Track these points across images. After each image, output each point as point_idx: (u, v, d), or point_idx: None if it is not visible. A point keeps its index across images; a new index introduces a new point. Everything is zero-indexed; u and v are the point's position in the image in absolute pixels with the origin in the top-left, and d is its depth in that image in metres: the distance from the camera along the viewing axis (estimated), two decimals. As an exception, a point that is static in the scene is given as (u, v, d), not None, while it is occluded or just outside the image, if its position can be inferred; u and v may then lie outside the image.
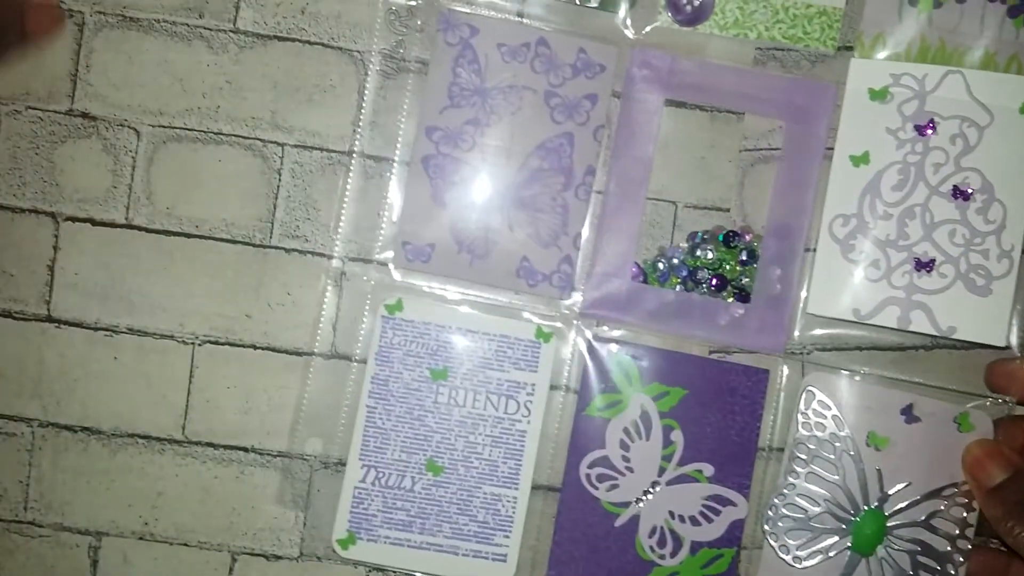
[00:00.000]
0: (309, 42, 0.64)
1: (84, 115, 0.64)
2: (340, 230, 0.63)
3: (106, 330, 0.64)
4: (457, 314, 0.63)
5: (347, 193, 0.64)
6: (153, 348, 0.64)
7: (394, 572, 0.63)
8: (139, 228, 0.64)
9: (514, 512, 0.62)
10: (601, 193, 0.63)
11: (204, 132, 0.64)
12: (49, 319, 0.64)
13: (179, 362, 0.64)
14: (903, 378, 0.62)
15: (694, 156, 0.64)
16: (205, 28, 0.64)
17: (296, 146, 0.64)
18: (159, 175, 0.64)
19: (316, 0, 0.64)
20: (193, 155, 0.64)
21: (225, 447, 0.64)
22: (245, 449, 0.64)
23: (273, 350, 0.64)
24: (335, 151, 0.64)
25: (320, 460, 0.64)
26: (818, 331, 0.63)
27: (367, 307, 0.63)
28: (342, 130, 0.64)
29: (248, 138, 0.64)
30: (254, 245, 0.64)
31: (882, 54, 0.62)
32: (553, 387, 0.63)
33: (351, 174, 0.63)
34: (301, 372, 0.64)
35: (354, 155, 0.63)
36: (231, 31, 0.64)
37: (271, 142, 0.64)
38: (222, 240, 0.64)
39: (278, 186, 0.64)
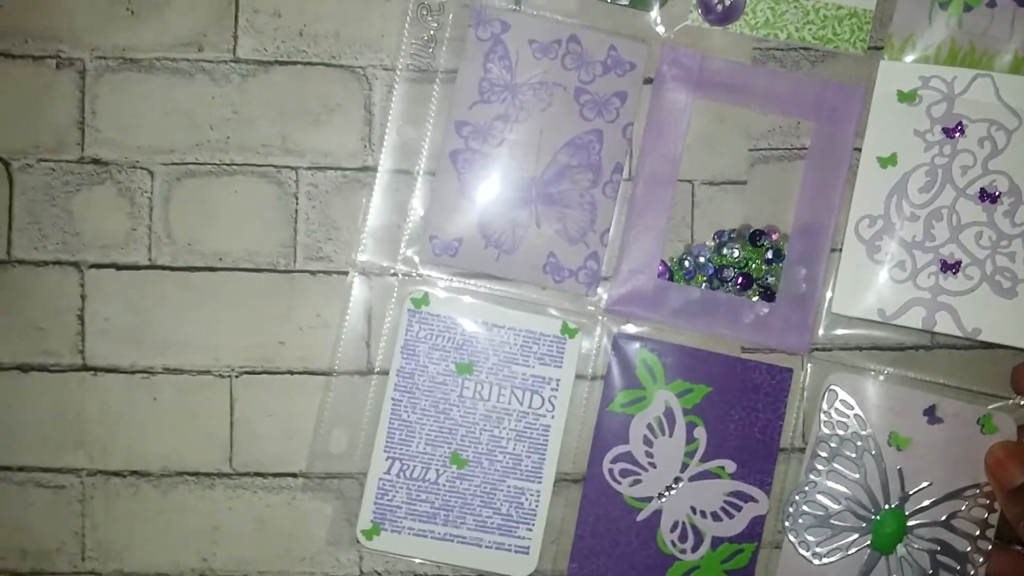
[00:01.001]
0: (310, 63, 0.66)
1: (95, 161, 0.66)
2: (366, 226, 0.65)
3: (143, 372, 0.66)
4: (483, 309, 0.64)
5: (374, 191, 0.65)
6: (191, 385, 0.66)
7: (418, 562, 0.65)
8: (163, 267, 0.66)
9: (537, 506, 0.64)
10: (630, 180, 0.65)
11: (217, 164, 0.66)
12: (85, 368, 0.66)
13: (218, 396, 0.66)
14: (926, 379, 0.64)
15: (701, 133, 0.66)
16: (206, 61, 0.66)
17: (310, 168, 0.66)
18: (177, 212, 0.66)
19: (313, 21, 0.66)
20: (208, 188, 0.66)
21: (274, 475, 0.66)
22: (294, 475, 0.66)
23: (310, 373, 0.66)
24: (349, 168, 0.66)
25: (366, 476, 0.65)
26: (842, 331, 0.64)
27: (393, 301, 0.65)
28: (353, 147, 0.66)
29: (261, 165, 0.66)
30: (279, 271, 0.66)
31: (911, 56, 0.63)
32: (579, 376, 0.65)
33: (379, 173, 0.65)
34: (327, 367, 0.65)
35: (383, 153, 0.65)
36: (232, 61, 0.66)
37: (284, 167, 0.66)
38: (247, 270, 0.66)
39: (296, 210, 0.66)
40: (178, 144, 0.66)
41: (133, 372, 0.66)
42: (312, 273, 0.66)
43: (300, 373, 0.66)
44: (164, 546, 0.66)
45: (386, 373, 0.65)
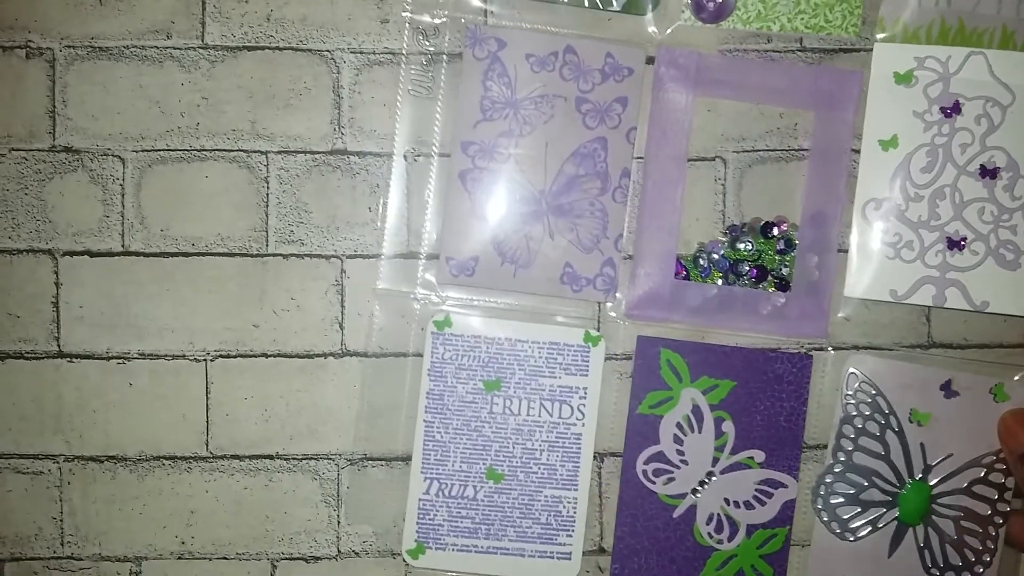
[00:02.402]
0: (279, 48, 0.67)
1: (67, 149, 0.67)
2: (382, 249, 0.67)
3: (118, 358, 0.68)
4: (505, 325, 0.67)
5: (387, 217, 0.67)
6: (166, 370, 0.68)
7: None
8: (137, 254, 0.68)
9: (575, 512, 0.67)
10: (643, 166, 0.66)
11: (187, 151, 0.68)
12: (61, 355, 0.68)
13: (194, 380, 0.68)
14: (941, 355, 0.67)
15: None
16: (174, 48, 0.67)
17: (280, 152, 0.68)
18: (149, 199, 0.68)
19: (280, 6, 0.67)
20: (180, 175, 0.68)
21: (250, 457, 0.69)
22: (271, 456, 0.69)
23: (284, 356, 0.68)
24: (319, 152, 0.68)
25: (346, 458, 0.68)
26: (857, 314, 0.67)
27: (415, 323, 0.67)
28: (323, 130, 0.68)
29: (231, 151, 0.68)
30: (252, 255, 0.68)
31: (903, 37, 0.65)
32: (605, 381, 0.67)
33: (390, 198, 0.67)
34: (339, 379, 0.68)
35: (391, 178, 0.67)
36: (200, 47, 0.67)
37: (254, 151, 0.68)
38: (220, 254, 0.68)
39: (267, 194, 0.68)
40: (148, 131, 0.67)
41: (108, 358, 0.68)
42: (285, 256, 0.68)
43: (275, 356, 0.68)
44: (142, 530, 0.69)
45: (416, 396, 0.67)
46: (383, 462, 0.68)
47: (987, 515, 0.67)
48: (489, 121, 0.66)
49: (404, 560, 0.67)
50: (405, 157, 0.66)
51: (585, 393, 0.67)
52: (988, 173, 0.66)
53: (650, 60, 0.66)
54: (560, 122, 0.66)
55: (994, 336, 0.68)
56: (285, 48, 0.67)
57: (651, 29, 0.66)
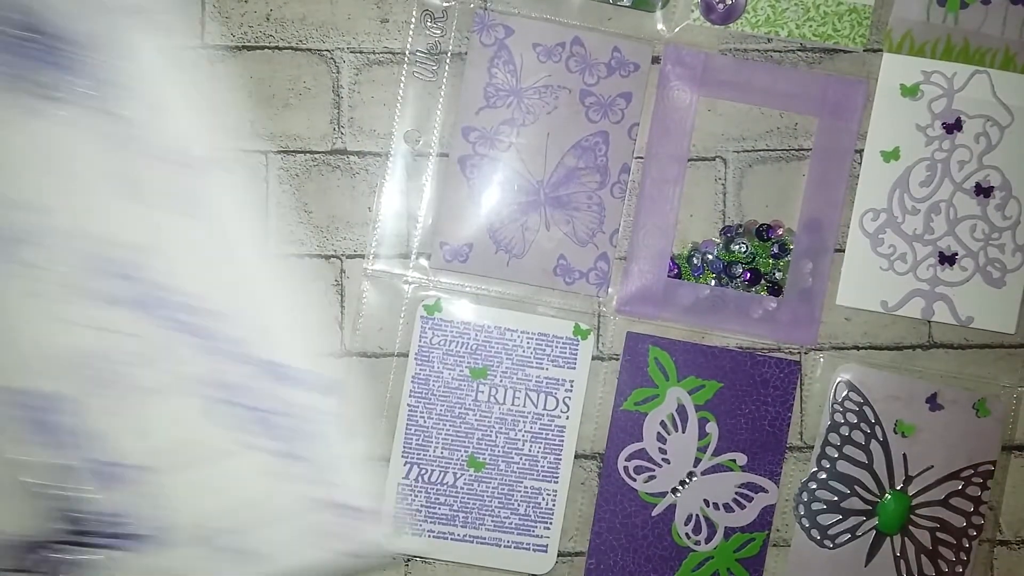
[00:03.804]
0: (278, 47, 0.67)
1: None
2: (376, 230, 0.67)
3: None
4: (495, 313, 0.67)
5: (382, 199, 0.67)
6: None
7: (441, 564, 0.68)
8: None
9: (554, 505, 0.68)
10: (642, 163, 0.67)
11: None
12: None
13: None
14: (929, 369, 0.68)
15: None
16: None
17: (279, 152, 0.68)
18: None
19: (279, 5, 0.67)
20: None
21: None
22: None
23: None
24: (319, 152, 0.68)
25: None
26: (847, 323, 0.68)
27: (404, 307, 0.67)
28: (322, 130, 0.68)
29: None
30: None
31: (909, 51, 0.66)
32: (592, 376, 0.68)
33: (386, 181, 0.67)
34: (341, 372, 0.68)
35: (390, 157, 0.67)
36: (199, 47, 0.67)
37: (253, 151, 0.68)
38: None
39: (267, 194, 0.68)
40: None
41: None
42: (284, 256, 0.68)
43: None
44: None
45: (401, 380, 0.67)
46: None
47: (962, 527, 0.68)
48: (492, 108, 0.66)
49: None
50: (406, 139, 0.66)
51: (571, 386, 0.67)
52: (983, 191, 0.67)
53: (656, 59, 0.67)
54: (563, 113, 0.67)
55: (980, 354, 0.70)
56: (284, 48, 0.67)
57: (659, 27, 0.67)
